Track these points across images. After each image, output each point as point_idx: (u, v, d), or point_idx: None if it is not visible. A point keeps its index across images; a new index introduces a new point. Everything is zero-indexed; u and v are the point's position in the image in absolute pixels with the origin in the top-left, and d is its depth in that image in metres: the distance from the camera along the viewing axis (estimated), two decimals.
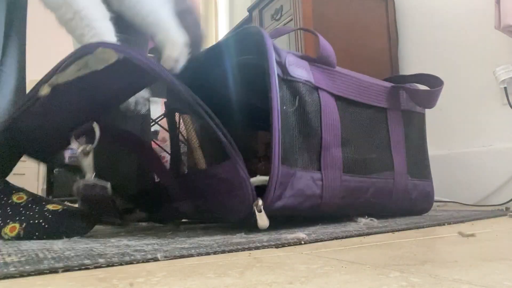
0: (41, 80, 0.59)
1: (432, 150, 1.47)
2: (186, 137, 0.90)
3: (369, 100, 0.83)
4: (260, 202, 0.59)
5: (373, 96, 0.83)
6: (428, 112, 0.97)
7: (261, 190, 0.63)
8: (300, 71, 0.72)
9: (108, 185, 0.62)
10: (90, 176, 0.62)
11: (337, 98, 0.77)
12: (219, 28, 3.23)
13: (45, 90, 0.58)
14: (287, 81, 0.69)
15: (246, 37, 0.73)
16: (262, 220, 0.59)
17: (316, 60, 0.77)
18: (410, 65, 1.60)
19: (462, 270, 0.35)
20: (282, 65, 0.69)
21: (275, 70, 0.66)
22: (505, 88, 1.24)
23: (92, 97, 0.66)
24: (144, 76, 0.64)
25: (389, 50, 1.59)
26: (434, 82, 0.91)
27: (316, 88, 0.74)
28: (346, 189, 0.75)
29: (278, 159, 0.63)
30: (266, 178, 0.63)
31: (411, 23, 1.60)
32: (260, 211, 0.59)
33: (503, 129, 1.28)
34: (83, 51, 0.58)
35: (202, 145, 0.86)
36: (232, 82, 0.84)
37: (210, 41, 3.12)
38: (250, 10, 1.79)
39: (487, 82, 1.31)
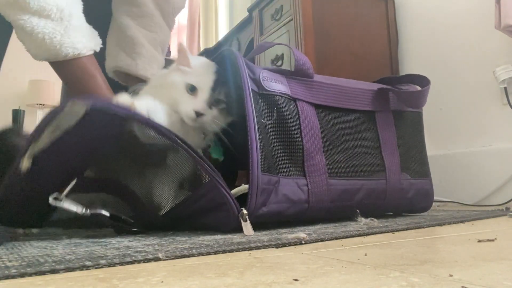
0: (18, 155, 0.56)
1: (432, 150, 1.47)
2: None
3: (353, 105, 0.84)
4: (245, 211, 0.62)
5: (357, 100, 0.85)
6: (428, 112, 0.96)
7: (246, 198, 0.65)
8: (276, 85, 0.75)
9: (102, 211, 0.61)
10: (81, 210, 0.60)
11: (317, 106, 0.79)
12: (219, 28, 3.22)
13: (26, 164, 0.55)
14: (263, 95, 0.73)
15: (223, 59, 0.77)
16: (247, 229, 0.61)
17: (293, 73, 0.79)
18: (410, 65, 1.60)
19: (462, 270, 0.35)
20: (257, 81, 0.72)
21: (248, 86, 0.69)
22: (505, 88, 1.24)
23: (74, 154, 0.63)
24: (116, 120, 0.61)
25: (389, 50, 1.59)
26: (422, 82, 0.92)
27: (294, 99, 0.76)
28: (334, 193, 0.76)
29: (257, 167, 0.65)
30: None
31: (411, 23, 1.61)
32: (245, 221, 0.62)
33: (503, 129, 1.28)
34: (54, 112, 0.55)
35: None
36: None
37: (210, 42, 3.12)
38: (250, 10, 1.79)
39: (487, 82, 1.31)
